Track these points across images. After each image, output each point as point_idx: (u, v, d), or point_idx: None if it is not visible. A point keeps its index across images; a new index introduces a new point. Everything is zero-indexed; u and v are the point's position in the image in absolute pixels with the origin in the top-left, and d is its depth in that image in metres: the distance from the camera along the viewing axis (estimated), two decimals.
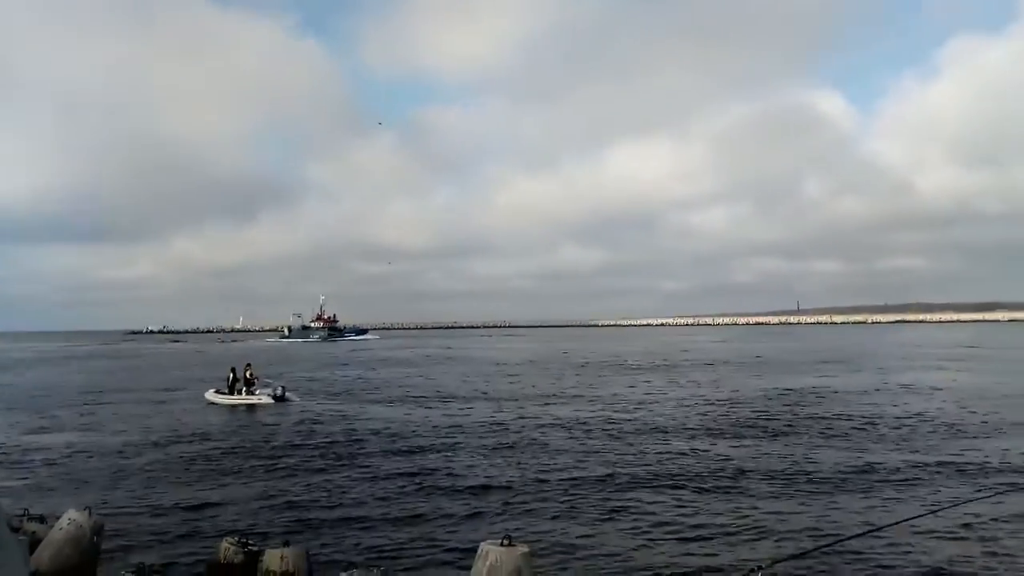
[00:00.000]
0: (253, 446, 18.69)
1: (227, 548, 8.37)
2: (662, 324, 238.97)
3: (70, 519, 7.70)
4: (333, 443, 18.85)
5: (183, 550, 9.82)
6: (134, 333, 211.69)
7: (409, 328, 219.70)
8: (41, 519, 8.43)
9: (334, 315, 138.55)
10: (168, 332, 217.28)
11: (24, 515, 8.60)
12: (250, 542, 8.48)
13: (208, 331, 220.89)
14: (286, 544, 8.09)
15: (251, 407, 27.59)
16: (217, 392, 30.01)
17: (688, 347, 75.60)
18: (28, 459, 17.20)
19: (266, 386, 29.94)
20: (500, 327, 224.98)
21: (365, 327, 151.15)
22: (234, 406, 28.22)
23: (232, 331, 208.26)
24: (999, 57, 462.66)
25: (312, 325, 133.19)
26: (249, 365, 30.83)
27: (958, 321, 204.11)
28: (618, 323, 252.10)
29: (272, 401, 28.09)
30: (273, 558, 7.78)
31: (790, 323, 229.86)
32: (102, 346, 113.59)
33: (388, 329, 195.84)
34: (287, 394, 29.12)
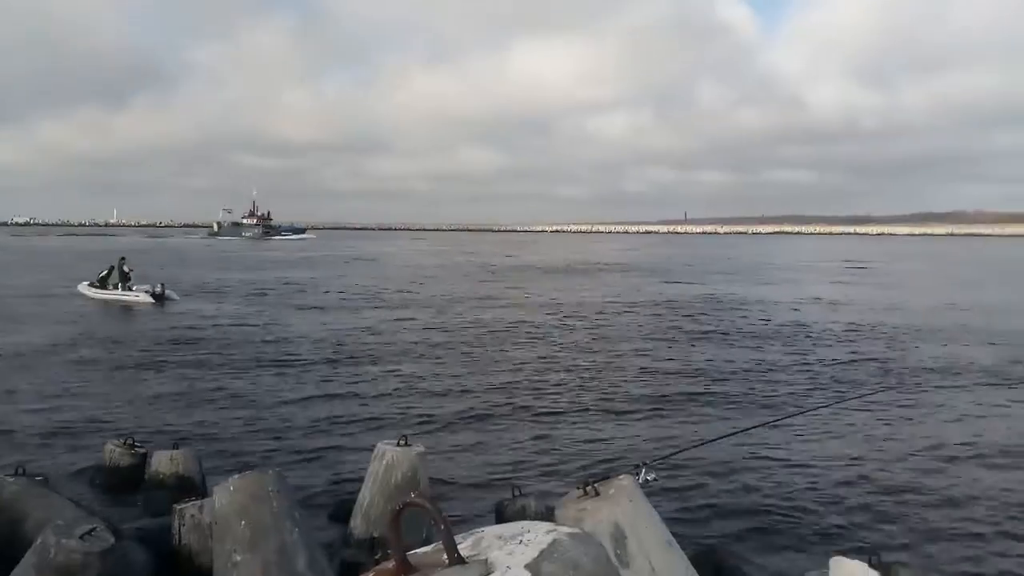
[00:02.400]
0: (133, 347, 17.93)
1: (112, 450, 8.15)
2: (557, 231, 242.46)
3: None
4: (221, 345, 18.35)
5: (65, 454, 9.48)
6: None
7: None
8: None
9: (268, 212, 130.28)
10: (35, 224, 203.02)
11: None
12: (137, 444, 8.28)
13: (80, 224, 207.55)
14: (175, 446, 7.95)
15: (127, 305, 26.31)
16: (90, 286, 28.41)
17: (598, 256, 76.83)
18: None
19: (143, 282, 28.45)
20: (398, 229, 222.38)
21: (303, 225, 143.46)
22: (107, 302, 26.87)
23: (106, 225, 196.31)
24: None
25: (244, 222, 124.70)
26: (124, 259, 29.14)
27: (830, 233, 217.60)
28: (514, 228, 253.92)
29: (150, 299, 26.57)
30: (162, 460, 7.63)
31: (678, 232, 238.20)
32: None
33: None
34: (167, 292, 27.58)
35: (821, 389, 14.19)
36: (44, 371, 14.88)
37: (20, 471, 6.22)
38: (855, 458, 9.87)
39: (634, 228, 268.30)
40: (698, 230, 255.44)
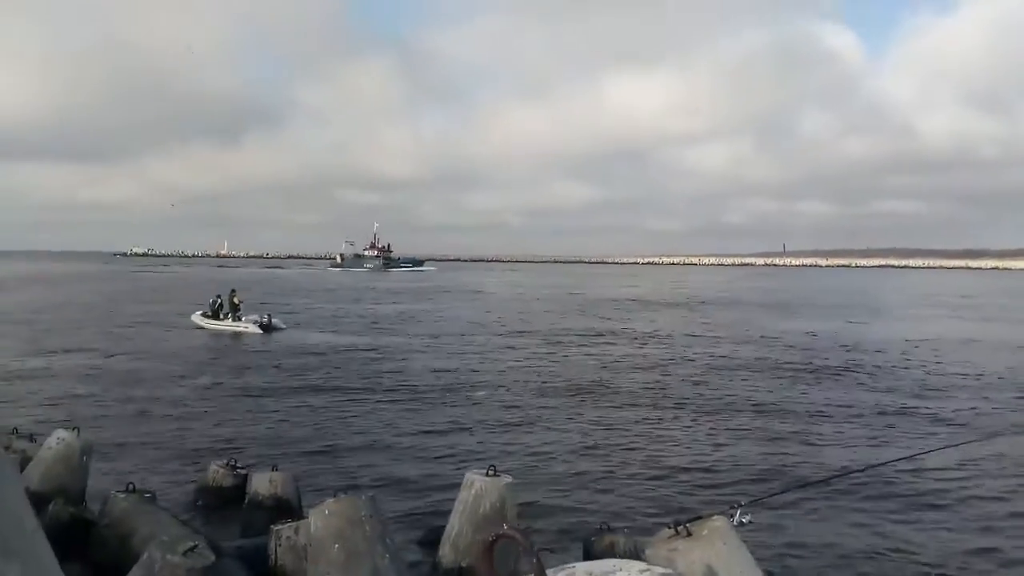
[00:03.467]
0: (239, 374, 18.78)
1: (216, 471, 8.51)
2: (650, 263, 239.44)
3: (59, 438, 7.74)
4: (323, 372, 18.98)
5: (172, 472, 9.96)
6: (120, 255, 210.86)
7: None
8: (31, 438, 8.47)
9: (388, 244, 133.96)
10: (152, 255, 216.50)
11: (13, 433, 8.63)
12: (238, 465, 8.61)
13: (194, 255, 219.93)
14: (274, 468, 8.20)
15: (236, 334, 27.60)
16: (203, 315, 29.96)
17: (698, 289, 75.34)
18: (16, 380, 17.22)
19: (252, 312, 29.87)
20: (492, 261, 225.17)
21: (422, 257, 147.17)
22: (219, 332, 28.23)
23: (218, 256, 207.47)
24: None
25: (365, 253, 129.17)
26: (234, 291, 30.72)
27: (941, 267, 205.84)
28: (606, 260, 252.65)
29: (258, 329, 27.95)
30: (261, 481, 7.89)
31: (776, 265, 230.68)
32: (105, 267, 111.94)
33: None
34: (274, 321, 28.98)
35: (942, 432, 13.33)
36: (158, 395, 15.74)
37: (131, 488, 6.56)
38: (971, 507, 9.20)
39: (729, 260, 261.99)
40: (797, 262, 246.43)
